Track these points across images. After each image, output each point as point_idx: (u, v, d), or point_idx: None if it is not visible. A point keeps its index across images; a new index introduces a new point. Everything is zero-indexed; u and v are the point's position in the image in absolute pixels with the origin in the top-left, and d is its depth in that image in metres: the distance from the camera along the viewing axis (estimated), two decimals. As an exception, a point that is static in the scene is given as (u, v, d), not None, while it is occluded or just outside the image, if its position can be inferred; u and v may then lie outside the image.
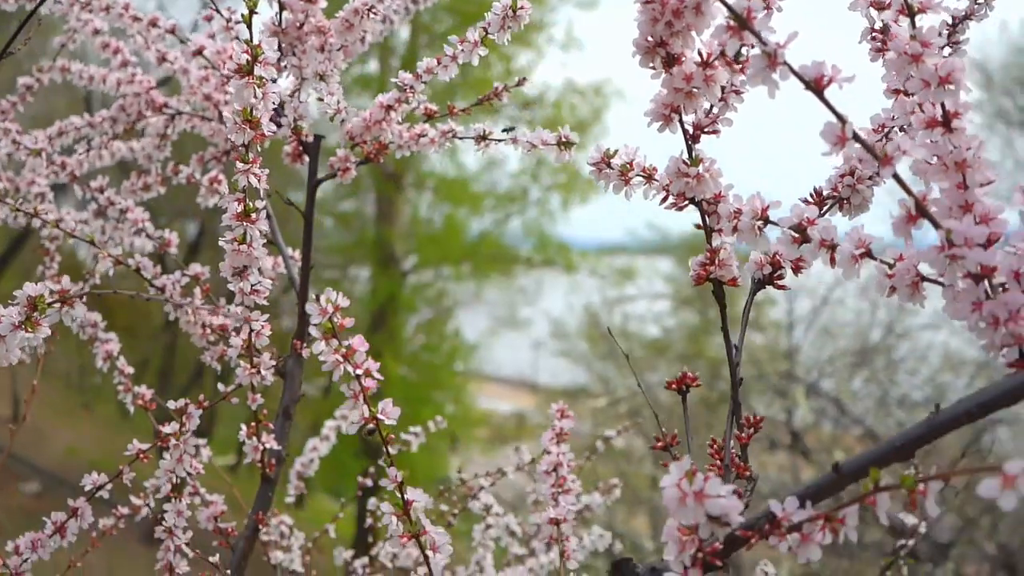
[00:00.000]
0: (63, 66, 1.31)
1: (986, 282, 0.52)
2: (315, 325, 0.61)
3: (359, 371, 0.62)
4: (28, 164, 1.19)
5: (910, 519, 1.18)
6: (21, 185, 1.30)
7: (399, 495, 0.65)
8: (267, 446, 0.98)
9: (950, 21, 0.72)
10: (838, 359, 6.41)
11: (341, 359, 0.61)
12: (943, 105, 0.54)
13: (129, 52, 1.23)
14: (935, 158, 0.54)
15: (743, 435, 0.62)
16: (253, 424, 0.97)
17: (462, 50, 0.88)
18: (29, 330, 0.69)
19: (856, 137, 0.50)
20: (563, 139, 0.84)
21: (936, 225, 0.51)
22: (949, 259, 0.51)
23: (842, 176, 0.69)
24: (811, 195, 0.70)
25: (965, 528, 5.66)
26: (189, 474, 0.97)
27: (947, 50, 0.71)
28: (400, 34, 9.14)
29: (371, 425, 0.63)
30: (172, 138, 1.22)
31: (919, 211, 0.51)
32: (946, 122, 0.54)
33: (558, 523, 0.92)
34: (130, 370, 1.11)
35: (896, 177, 0.51)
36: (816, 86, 0.51)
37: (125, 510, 1.13)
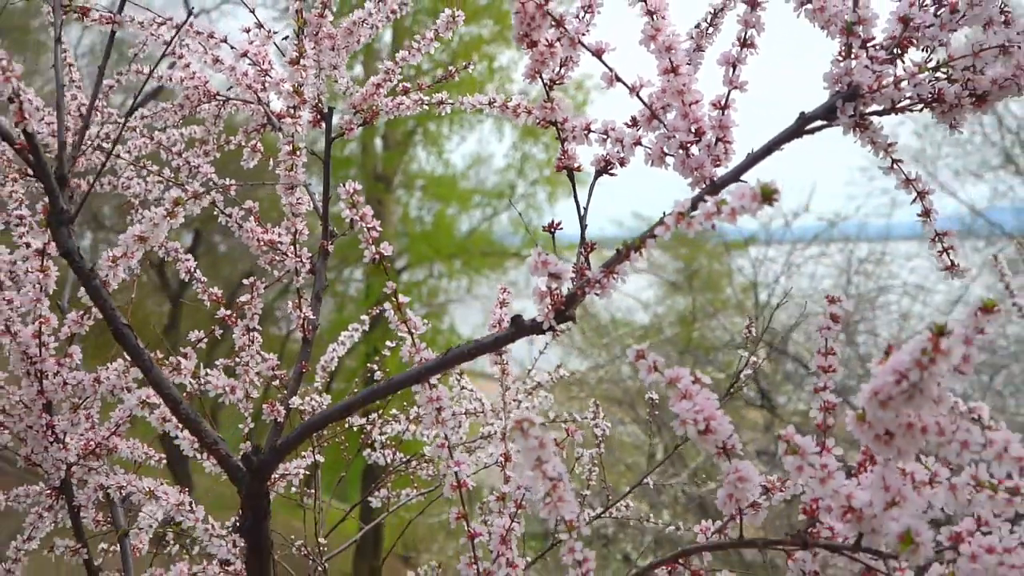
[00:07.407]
0: (136, 69, 1.80)
1: (691, 149, 1.01)
2: (343, 199, 1.09)
3: (370, 225, 1.10)
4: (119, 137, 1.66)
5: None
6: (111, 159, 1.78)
7: (395, 299, 1.13)
8: (306, 316, 1.46)
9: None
10: (803, 322, 6.93)
11: (358, 218, 1.10)
12: (670, 59, 1.02)
13: (188, 56, 1.71)
14: (668, 91, 1.03)
15: (585, 251, 1.11)
16: (296, 300, 1.46)
17: (424, 43, 1.38)
18: (171, 218, 1.17)
19: (618, 78, 0.99)
20: (492, 99, 1.32)
21: (660, 122, 1.00)
22: (668, 138, 0.99)
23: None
24: (631, 118, 1.18)
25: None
26: (251, 340, 1.46)
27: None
28: (384, 37, 9.65)
29: (377, 257, 1.12)
30: (223, 118, 1.71)
31: (652, 115, 1.00)
32: (674, 69, 1.02)
33: (500, 352, 1.41)
34: (205, 279, 1.59)
35: (642, 100, 1.00)
36: (597, 53, 0.99)
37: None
